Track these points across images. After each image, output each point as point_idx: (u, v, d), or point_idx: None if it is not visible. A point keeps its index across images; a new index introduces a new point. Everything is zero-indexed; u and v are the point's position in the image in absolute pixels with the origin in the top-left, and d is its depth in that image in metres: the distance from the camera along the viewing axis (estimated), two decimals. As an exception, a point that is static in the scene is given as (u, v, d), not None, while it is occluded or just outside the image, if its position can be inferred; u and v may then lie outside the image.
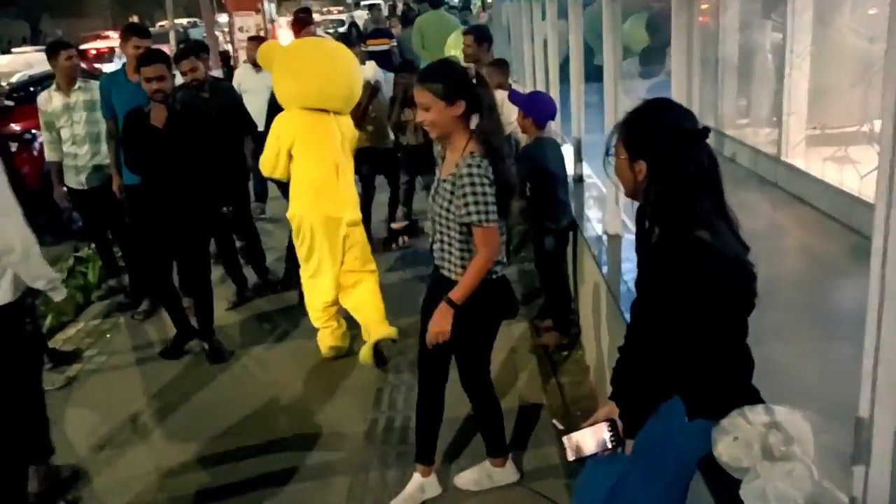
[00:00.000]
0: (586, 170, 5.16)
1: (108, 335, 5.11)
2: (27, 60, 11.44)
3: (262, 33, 11.01)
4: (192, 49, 5.76)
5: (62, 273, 5.75)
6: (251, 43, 7.24)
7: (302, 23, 6.35)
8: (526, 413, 3.75)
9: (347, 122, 4.33)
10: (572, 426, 3.55)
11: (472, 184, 2.64)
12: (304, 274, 4.35)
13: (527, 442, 3.50)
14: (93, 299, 5.73)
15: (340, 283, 4.28)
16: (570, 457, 2.11)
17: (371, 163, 6.05)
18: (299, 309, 4.74)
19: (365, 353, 4.17)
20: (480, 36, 5.76)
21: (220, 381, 4.34)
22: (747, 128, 6.85)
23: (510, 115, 4.57)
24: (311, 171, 4.10)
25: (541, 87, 6.74)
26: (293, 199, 4.20)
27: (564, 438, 2.13)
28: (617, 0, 3.78)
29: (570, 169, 4.81)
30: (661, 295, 1.88)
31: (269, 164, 4.16)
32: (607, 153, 2.02)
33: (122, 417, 3.98)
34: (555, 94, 6.03)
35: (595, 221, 4.35)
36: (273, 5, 13.65)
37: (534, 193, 4.16)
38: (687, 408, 1.91)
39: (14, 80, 8.68)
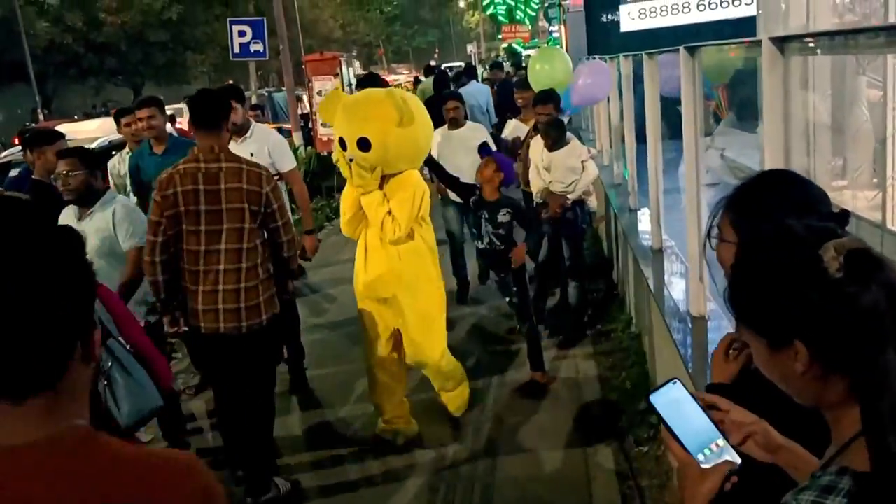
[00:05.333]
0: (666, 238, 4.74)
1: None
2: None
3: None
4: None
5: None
6: None
7: None
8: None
9: None
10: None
11: None
12: None
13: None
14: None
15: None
16: None
17: None
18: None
19: None
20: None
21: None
22: (846, 191, 6.31)
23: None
24: None
25: (616, 146, 6.42)
26: None
27: None
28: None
29: (649, 239, 4.47)
30: None
31: None
32: (710, 234, 1.55)
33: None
34: (631, 155, 5.70)
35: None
36: (351, 70, 13.78)
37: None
38: None
39: (94, 145, 8.91)
